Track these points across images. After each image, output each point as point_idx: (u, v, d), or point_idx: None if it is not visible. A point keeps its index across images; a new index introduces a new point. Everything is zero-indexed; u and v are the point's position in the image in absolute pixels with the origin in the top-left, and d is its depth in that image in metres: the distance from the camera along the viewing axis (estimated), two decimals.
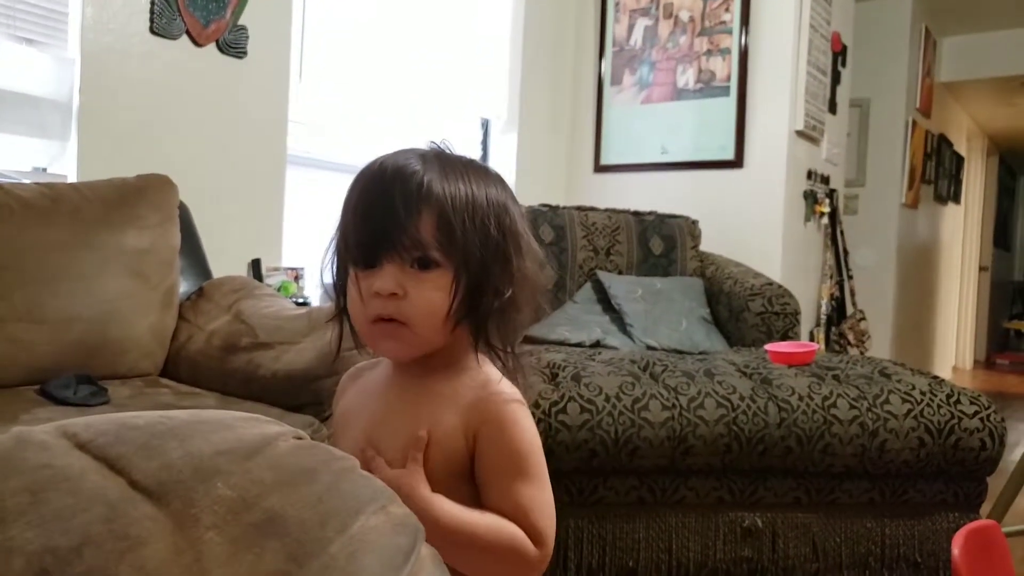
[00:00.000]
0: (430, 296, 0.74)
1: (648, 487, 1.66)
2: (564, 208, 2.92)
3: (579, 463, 1.60)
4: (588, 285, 2.76)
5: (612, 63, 3.61)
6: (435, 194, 0.74)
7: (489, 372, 0.81)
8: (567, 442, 1.58)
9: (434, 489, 0.74)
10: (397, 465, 0.76)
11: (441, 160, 0.78)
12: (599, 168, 3.64)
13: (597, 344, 2.42)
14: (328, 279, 0.82)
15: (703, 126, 3.35)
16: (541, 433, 1.56)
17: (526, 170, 3.52)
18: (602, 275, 2.74)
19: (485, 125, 3.51)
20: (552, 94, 3.66)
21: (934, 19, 4.91)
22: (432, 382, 0.79)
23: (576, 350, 2.19)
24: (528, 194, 3.47)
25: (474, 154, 3.41)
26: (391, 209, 0.73)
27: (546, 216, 2.84)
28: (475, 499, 0.77)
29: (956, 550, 0.96)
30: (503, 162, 3.50)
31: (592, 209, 2.97)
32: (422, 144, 0.83)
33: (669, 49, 3.44)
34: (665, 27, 3.45)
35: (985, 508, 1.85)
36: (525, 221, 0.82)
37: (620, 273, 2.82)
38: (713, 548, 1.67)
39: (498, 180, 0.82)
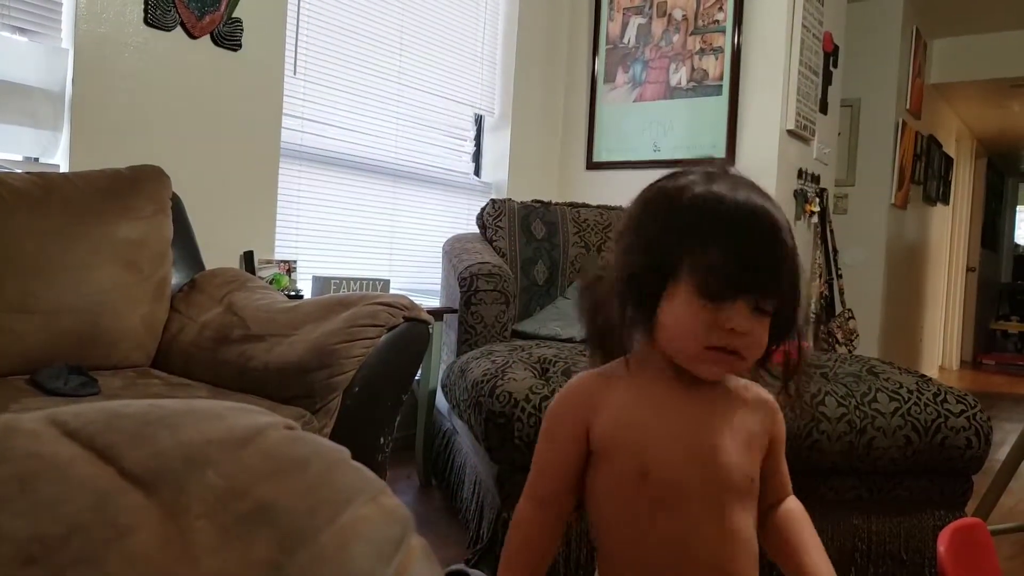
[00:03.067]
0: (763, 335, 0.81)
1: None
2: (556, 204, 2.92)
3: None
4: (579, 281, 2.76)
5: (605, 61, 3.60)
6: (791, 248, 0.80)
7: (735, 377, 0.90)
8: None
9: (751, 486, 0.84)
10: (733, 463, 0.83)
11: (773, 200, 0.82)
12: (591, 165, 3.65)
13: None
14: (628, 290, 0.83)
15: (695, 124, 3.35)
16: (531, 427, 1.57)
17: (519, 166, 3.52)
18: None
19: (478, 121, 3.50)
20: (545, 91, 3.66)
21: (925, 21, 4.93)
22: (708, 389, 0.85)
23: (567, 345, 2.19)
24: (521, 190, 3.47)
25: (467, 149, 3.41)
26: (769, 256, 0.78)
27: (538, 212, 2.84)
28: None
29: (942, 548, 0.97)
30: (496, 158, 3.50)
31: (584, 205, 2.97)
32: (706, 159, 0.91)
33: (662, 47, 3.44)
34: (658, 25, 3.45)
35: (970, 506, 1.86)
36: None
37: None
38: None
39: None
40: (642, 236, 0.83)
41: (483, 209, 2.84)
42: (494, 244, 2.74)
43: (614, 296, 0.84)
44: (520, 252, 2.75)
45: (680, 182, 0.83)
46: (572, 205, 2.96)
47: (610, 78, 3.59)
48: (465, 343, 2.29)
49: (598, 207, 2.98)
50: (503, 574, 0.87)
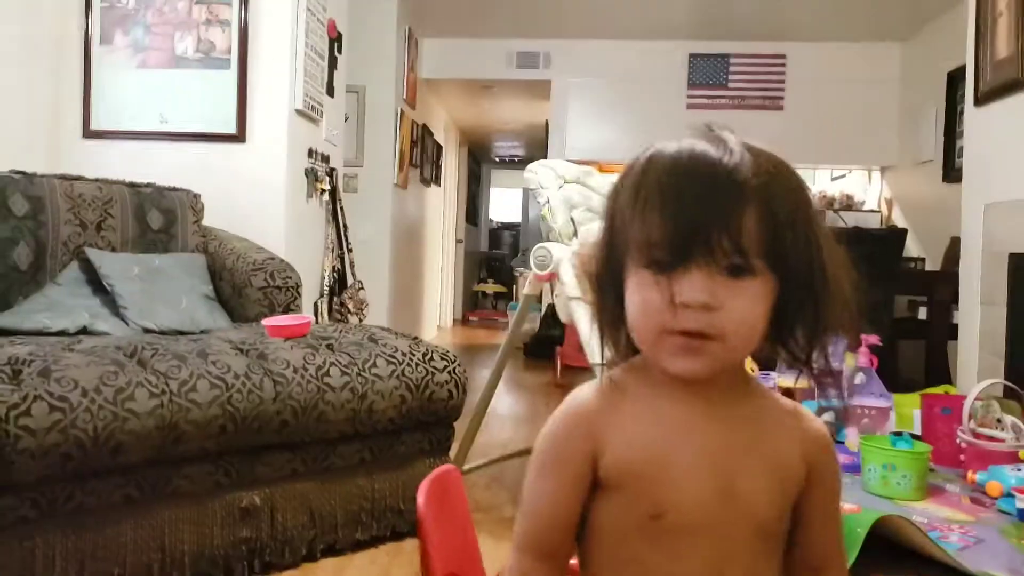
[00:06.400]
0: (748, 308, 0.61)
1: (136, 483, 1.46)
2: (43, 176, 2.44)
3: (49, 470, 1.34)
4: (75, 264, 2.35)
5: (101, 20, 3.12)
6: (757, 186, 0.60)
7: (774, 390, 0.72)
8: (32, 448, 1.30)
9: (778, 525, 0.67)
10: (760, 497, 0.65)
11: (746, 145, 0.64)
12: (89, 133, 3.14)
13: (84, 331, 2.08)
14: (601, 278, 0.67)
15: (205, 97, 3.10)
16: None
17: None
18: (91, 252, 2.36)
19: None
20: (27, 48, 3.02)
21: (415, 20, 5.32)
22: (733, 405, 0.67)
23: (51, 340, 1.84)
24: None
25: None
26: (709, 204, 0.60)
27: (19, 184, 2.33)
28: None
29: (420, 499, 1.01)
30: None
31: (79, 178, 2.54)
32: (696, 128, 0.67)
33: (166, 13, 3.10)
34: None
35: (454, 449, 2.07)
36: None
37: (114, 250, 2.46)
38: (210, 535, 1.55)
39: (800, 176, 0.67)
40: (607, 212, 0.68)
41: None
42: None
43: (595, 288, 0.68)
44: None
45: (650, 146, 0.66)
46: (64, 177, 2.50)
47: (107, 40, 3.12)
48: None
49: (96, 180, 2.57)
50: None
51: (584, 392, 0.69)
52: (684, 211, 0.60)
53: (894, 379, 3.41)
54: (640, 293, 0.63)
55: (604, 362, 0.70)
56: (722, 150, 0.62)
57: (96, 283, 2.31)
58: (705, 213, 0.60)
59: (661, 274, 0.61)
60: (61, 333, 2.04)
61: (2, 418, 1.29)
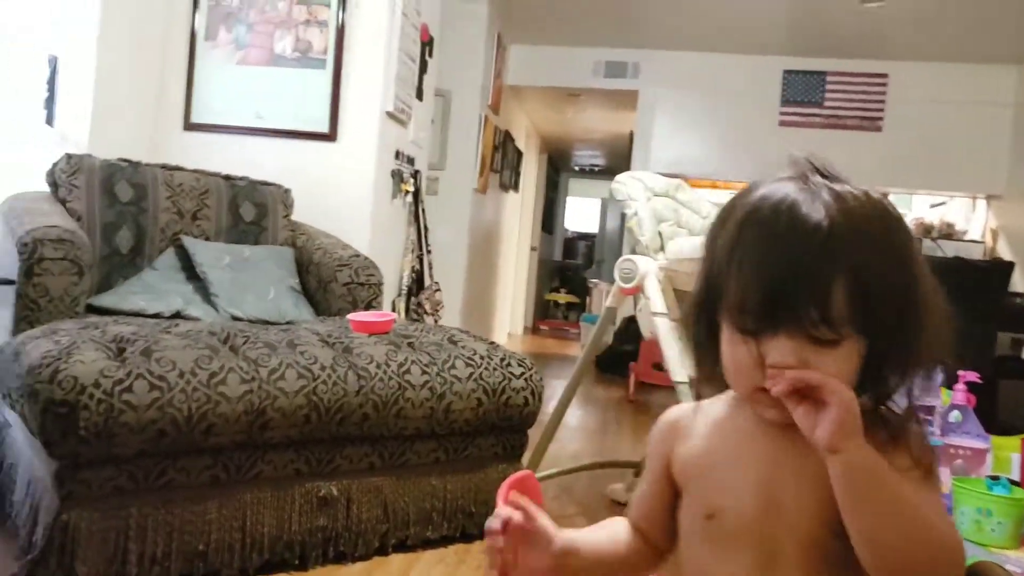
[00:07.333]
0: (835, 369, 0.63)
1: (223, 465, 1.54)
2: (147, 165, 2.60)
3: (146, 445, 1.43)
4: (171, 251, 2.49)
5: (207, 17, 3.29)
6: (848, 256, 0.62)
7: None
8: (132, 423, 1.39)
9: (825, 543, 0.65)
10: (806, 511, 0.66)
11: (841, 201, 0.64)
12: (190, 126, 3.31)
13: (177, 315, 2.20)
14: (696, 320, 0.73)
15: (300, 96, 3.23)
16: (100, 415, 1.36)
17: (104, 119, 3.04)
18: (187, 240, 2.50)
19: (53, 63, 2.94)
20: (139, 39, 3.21)
21: (506, 26, 5.40)
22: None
23: (150, 322, 1.95)
24: (105, 147, 3.01)
25: (43, 94, 2.86)
26: (799, 275, 0.62)
27: (125, 172, 2.50)
28: None
29: (500, 501, 1.04)
30: (76, 107, 2.98)
31: (179, 168, 2.69)
32: (800, 160, 0.68)
33: (267, 12, 3.25)
34: None
35: (525, 457, 2.09)
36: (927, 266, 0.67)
37: (207, 239, 2.60)
38: (288, 521, 1.62)
39: (898, 217, 0.67)
40: (704, 256, 0.72)
41: (55, 164, 2.41)
42: (67, 205, 2.33)
43: (691, 322, 0.74)
44: (100, 216, 2.39)
45: (748, 188, 0.69)
46: (165, 167, 2.66)
47: (212, 35, 3.29)
48: (24, 320, 1.90)
49: (195, 171, 2.72)
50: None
51: (674, 408, 0.83)
52: (774, 281, 0.62)
53: (992, 420, 3.22)
54: (731, 350, 0.68)
55: (690, 382, 0.81)
56: (818, 210, 0.63)
57: (190, 270, 2.44)
58: (794, 284, 0.62)
59: (749, 336, 0.65)
60: (156, 316, 2.16)
61: (108, 391, 1.38)
